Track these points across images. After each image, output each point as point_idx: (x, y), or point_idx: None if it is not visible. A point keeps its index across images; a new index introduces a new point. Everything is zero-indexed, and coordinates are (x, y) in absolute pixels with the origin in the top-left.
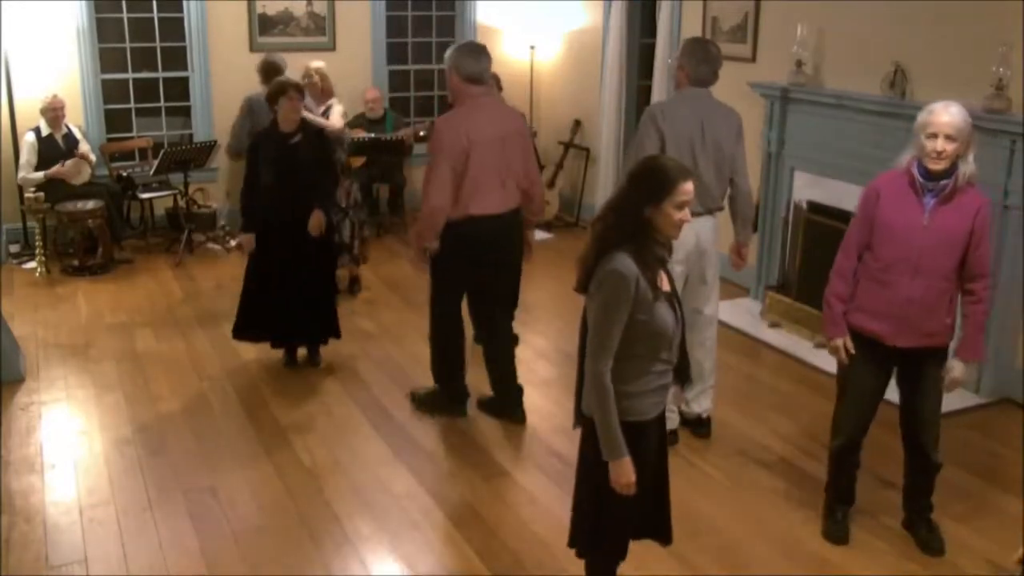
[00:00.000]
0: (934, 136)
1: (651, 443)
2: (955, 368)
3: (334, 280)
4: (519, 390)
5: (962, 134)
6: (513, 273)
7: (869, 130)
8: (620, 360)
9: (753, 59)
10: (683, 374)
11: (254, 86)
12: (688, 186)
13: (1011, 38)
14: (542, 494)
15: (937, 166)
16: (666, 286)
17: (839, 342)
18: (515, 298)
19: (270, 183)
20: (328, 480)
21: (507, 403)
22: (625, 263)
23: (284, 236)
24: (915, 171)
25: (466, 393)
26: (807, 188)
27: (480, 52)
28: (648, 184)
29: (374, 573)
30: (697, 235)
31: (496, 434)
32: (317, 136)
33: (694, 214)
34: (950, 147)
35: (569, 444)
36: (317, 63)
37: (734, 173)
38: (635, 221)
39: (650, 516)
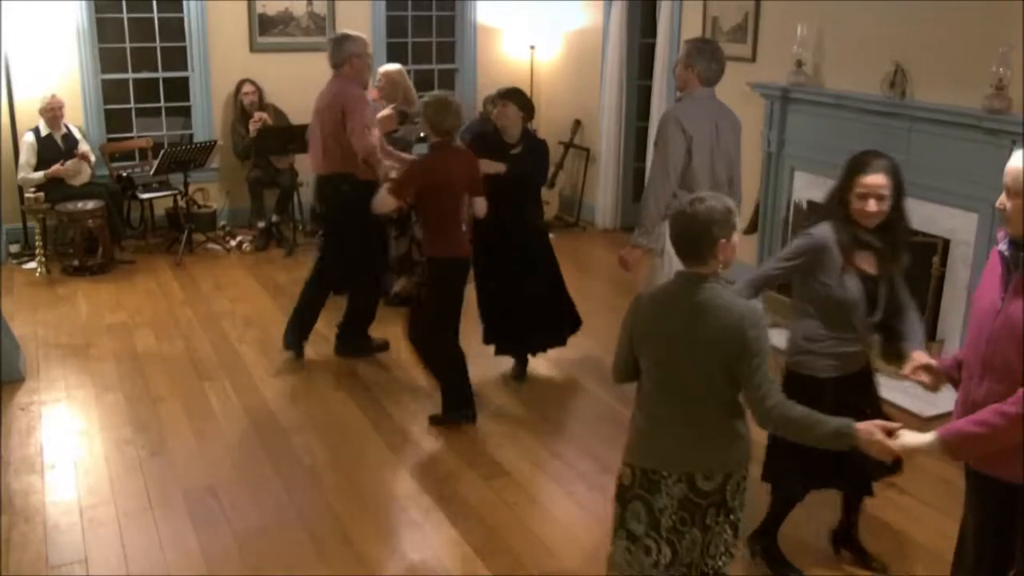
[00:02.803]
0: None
1: (826, 401)
2: (907, 437)
3: None
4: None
5: None
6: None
7: (869, 130)
8: (804, 316)
9: (753, 59)
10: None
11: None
12: (868, 179)
13: (1011, 38)
14: (542, 494)
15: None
16: (867, 268)
17: None
18: None
19: None
20: (328, 480)
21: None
22: (821, 229)
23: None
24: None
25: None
26: (807, 188)
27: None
28: (843, 172)
29: (374, 573)
30: None
31: (496, 434)
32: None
33: None
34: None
35: (569, 444)
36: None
37: (733, 173)
38: (833, 202)
39: (834, 469)
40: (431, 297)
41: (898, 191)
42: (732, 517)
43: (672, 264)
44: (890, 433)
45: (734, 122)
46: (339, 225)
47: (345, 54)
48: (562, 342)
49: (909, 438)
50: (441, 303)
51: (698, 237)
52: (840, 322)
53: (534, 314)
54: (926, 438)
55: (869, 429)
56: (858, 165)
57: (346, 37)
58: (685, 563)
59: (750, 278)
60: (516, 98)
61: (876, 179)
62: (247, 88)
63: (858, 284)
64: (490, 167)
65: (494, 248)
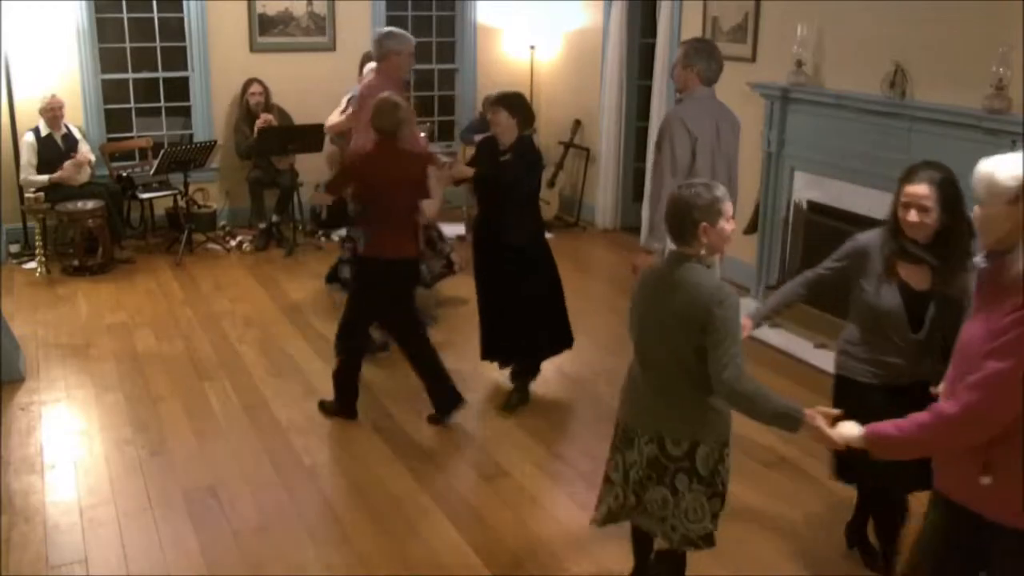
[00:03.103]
0: None
1: (874, 410)
2: (844, 427)
3: None
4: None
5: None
6: None
7: (869, 130)
8: (850, 319)
9: (753, 59)
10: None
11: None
12: (910, 188)
13: (1011, 38)
14: (542, 494)
15: None
16: (916, 282)
17: None
18: None
19: None
20: (328, 480)
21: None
22: (869, 234)
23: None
24: None
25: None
26: (807, 188)
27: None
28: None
29: (374, 573)
30: None
31: (496, 434)
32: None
33: None
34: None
35: (569, 444)
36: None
37: (732, 172)
38: (891, 210)
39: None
40: (356, 295)
41: (948, 204)
42: (708, 487)
43: None
44: (834, 422)
45: (733, 122)
46: None
47: (384, 50)
48: (554, 351)
49: (845, 429)
50: (360, 302)
51: (681, 219)
52: (876, 331)
53: (528, 323)
54: (856, 432)
55: (812, 415)
56: (906, 173)
57: (389, 34)
58: (657, 516)
59: (804, 276)
60: (507, 104)
61: (917, 189)
62: (255, 88)
63: (896, 296)
64: (463, 172)
65: (488, 257)
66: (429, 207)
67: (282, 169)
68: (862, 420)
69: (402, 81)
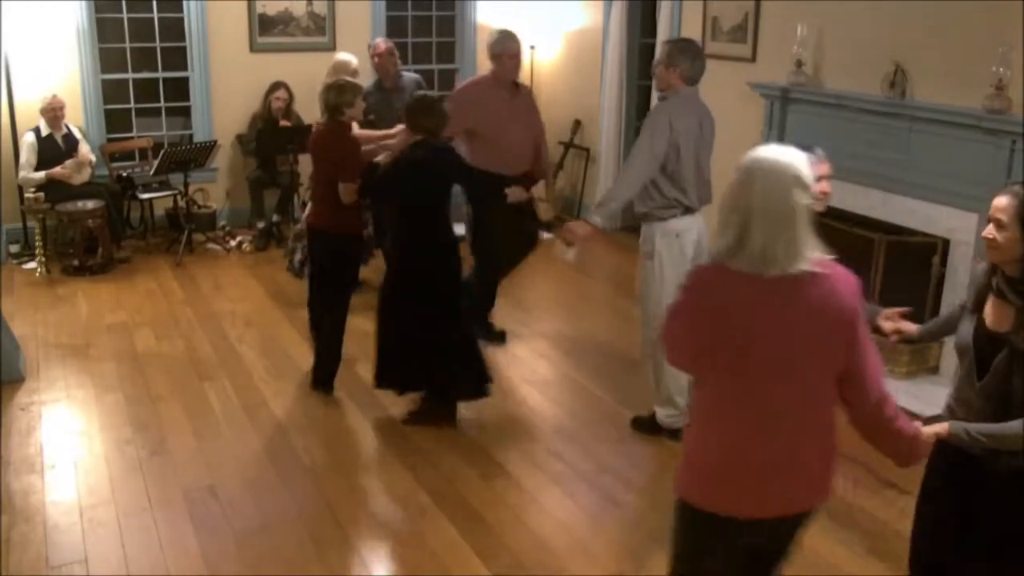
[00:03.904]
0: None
1: (938, 449)
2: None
3: None
4: None
5: None
6: None
7: (869, 130)
8: None
9: (753, 59)
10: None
11: (252, 86)
12: (994, 200)
13: (1011, 38)
14: (542, 494)
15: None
16: (994, 323)
17: None
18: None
19: None
20: (328, 480)
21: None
22: (980, 266)
23: None
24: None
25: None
26: None
27: None
28: None
29: (374, 573)
30: (699, 232)
31: (496, 434)
32: None
33: (687, 211)
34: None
35: (569, 444)
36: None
37: (708, 171)
38: None
39: None
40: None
41: None
42: None
43: (663, 268)
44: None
45: (712, 121)
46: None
47: (491, 52)
48: (480, 393)
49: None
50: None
51: None
52: (959, 368)
53: (441, 351)
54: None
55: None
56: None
57: (498, 37)
58: None
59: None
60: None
61: (998, 201)
62: (280, 93)
63: (969, 333)
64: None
65: (402, 270)
66: (342, 191)
67: (282, 171)
68: (932, 458)
69: (507, 82)
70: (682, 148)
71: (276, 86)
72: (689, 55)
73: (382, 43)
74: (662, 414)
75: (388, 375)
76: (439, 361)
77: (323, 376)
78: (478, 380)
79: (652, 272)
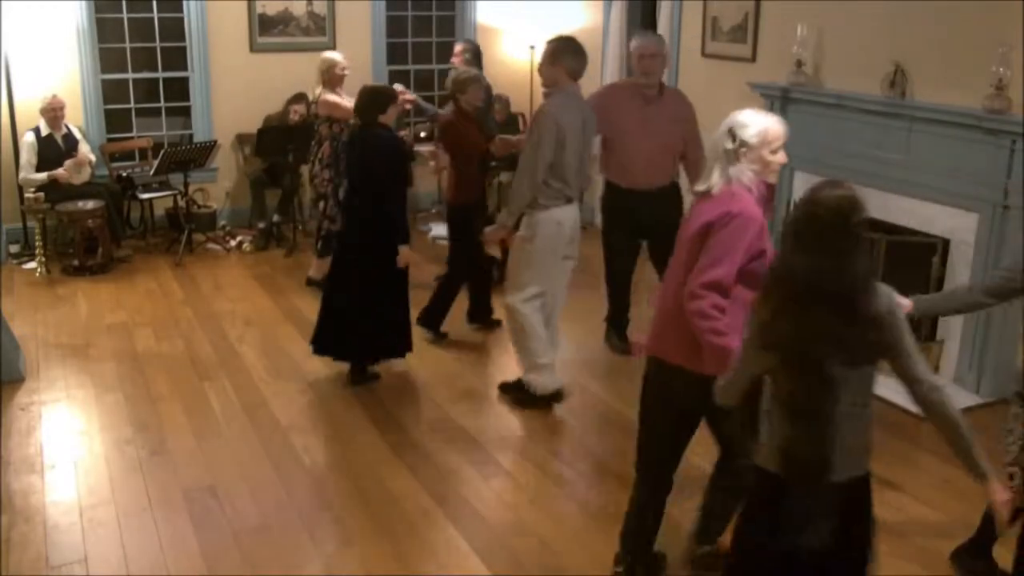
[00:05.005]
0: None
1: None
2: None
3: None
4: None
5: None
6: None
7: (869, 130)
8: None
9: (753, 59)
10: None
11: (252, 86)
12: None
13: (1011, 38)
14: (542, 494)
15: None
16: None
17: None
18: None
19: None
20: (328, 480)
21: None
22: None
23: None
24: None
25: None
26: (807, 188)
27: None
28: None
29: (374, 573)
30: (574, 221)
31: (496, 434)
32: None
33: (569, 201)
34: None
35: (569, 444)
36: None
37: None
38: None
39: None
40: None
41: None
42: None
43: (543, 252)
44: None
45: (593, 117)
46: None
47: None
48: (397, 353)
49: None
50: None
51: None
52: None
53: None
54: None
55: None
56: None
57: (635, 35)
58: None
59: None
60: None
61: None
62: (298, 107)
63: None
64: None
65: (347, 244)
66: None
67: (285, 171)
68: None
69: (648, 85)
70: (567, 144)
71: (298, 98)
72: (571, 52)
73: (457, 47)
74: (531, 378)
75: (324, 342)
76: (370, 326)
77: (428, 320)
78: (400, 342)
79: (530, 255)
